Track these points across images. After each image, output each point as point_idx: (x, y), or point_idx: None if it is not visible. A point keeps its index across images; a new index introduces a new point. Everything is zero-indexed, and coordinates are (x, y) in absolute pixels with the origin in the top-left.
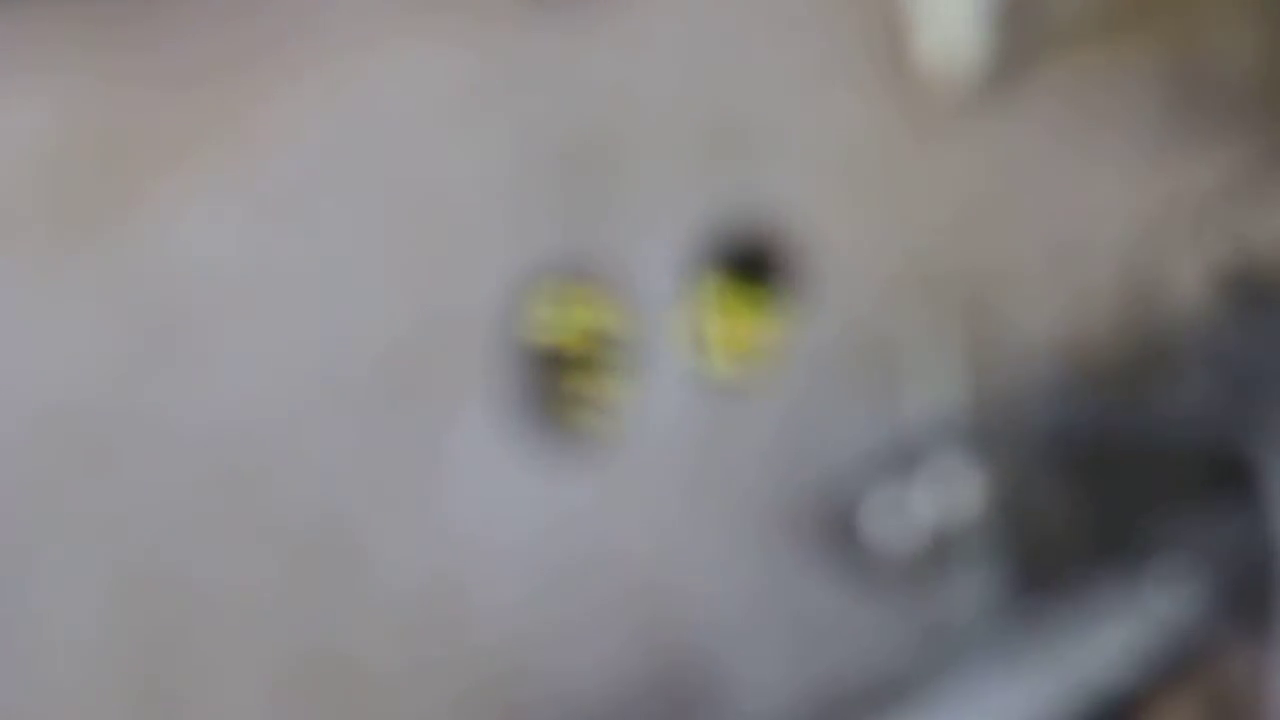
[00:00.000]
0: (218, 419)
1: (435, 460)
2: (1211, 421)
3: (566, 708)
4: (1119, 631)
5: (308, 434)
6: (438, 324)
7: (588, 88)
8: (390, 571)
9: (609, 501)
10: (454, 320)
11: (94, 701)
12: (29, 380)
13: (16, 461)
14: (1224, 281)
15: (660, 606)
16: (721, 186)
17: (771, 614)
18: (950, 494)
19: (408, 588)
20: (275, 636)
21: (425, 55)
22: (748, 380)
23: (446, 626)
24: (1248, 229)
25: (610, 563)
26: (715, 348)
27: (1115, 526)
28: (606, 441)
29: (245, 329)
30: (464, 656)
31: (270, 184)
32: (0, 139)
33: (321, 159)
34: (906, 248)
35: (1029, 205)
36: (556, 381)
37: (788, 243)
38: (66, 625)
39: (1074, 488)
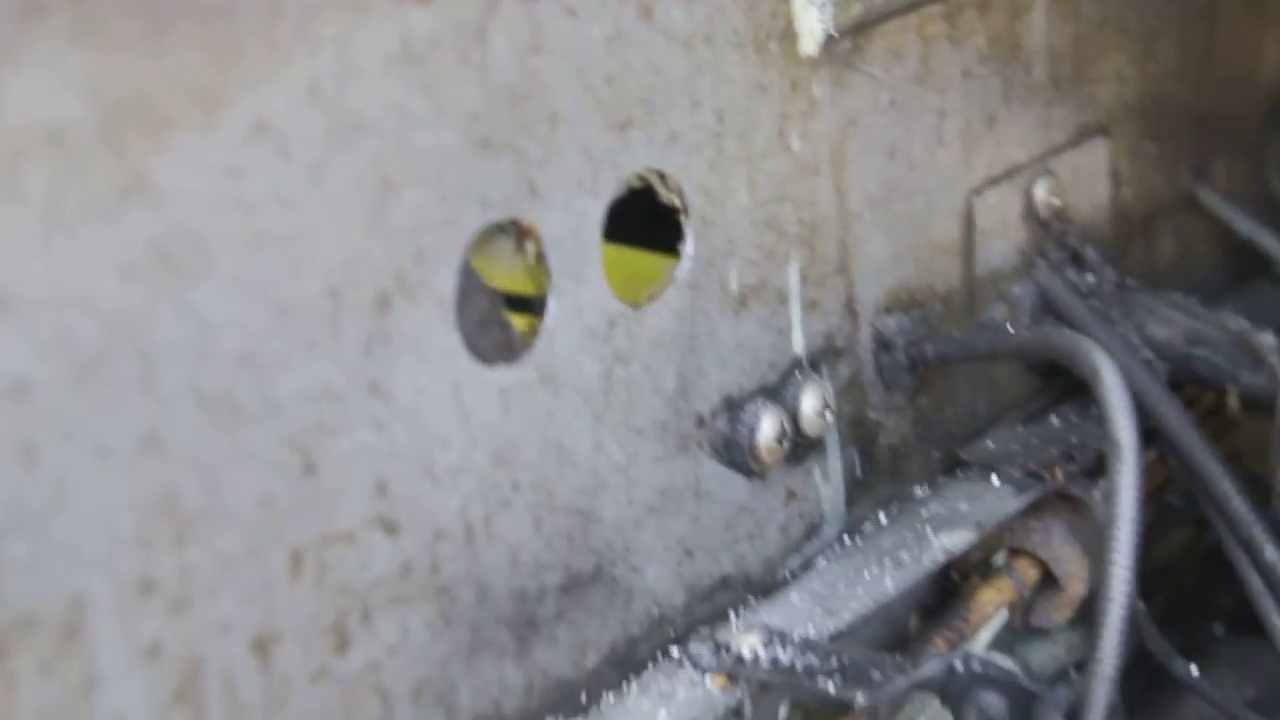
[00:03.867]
0: (211, 333)
1: (395, 356)
2: (1035, 338)
3: (487, 579)
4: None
5: (285, 341)
6: (400, 248)
7: (515, 50)
8: (359, 454)
9: (531, 402)
10: (414, 245)
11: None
12: (65, 299)
13: (50, 363)
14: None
15: (570, 490)
16: (624, 141)
17: (665, 500)
18: (810, 402)
19: (372, 467)
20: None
21: (380, 25)
22: (644, 306)
23: (406, 500)
24: (1061, 183)
25: (531, 449)
26: (618, 279)
27: (948, 429)
28: (533, 354)
29: (238, 253)
30: (415, 530)
31: (255, 134)
32: (34, 104)
33: (296, 112)
34: (772, 192)
35: (873, 157)
36: (494, 302)
37: (675, 187)
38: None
39: (913, 396)
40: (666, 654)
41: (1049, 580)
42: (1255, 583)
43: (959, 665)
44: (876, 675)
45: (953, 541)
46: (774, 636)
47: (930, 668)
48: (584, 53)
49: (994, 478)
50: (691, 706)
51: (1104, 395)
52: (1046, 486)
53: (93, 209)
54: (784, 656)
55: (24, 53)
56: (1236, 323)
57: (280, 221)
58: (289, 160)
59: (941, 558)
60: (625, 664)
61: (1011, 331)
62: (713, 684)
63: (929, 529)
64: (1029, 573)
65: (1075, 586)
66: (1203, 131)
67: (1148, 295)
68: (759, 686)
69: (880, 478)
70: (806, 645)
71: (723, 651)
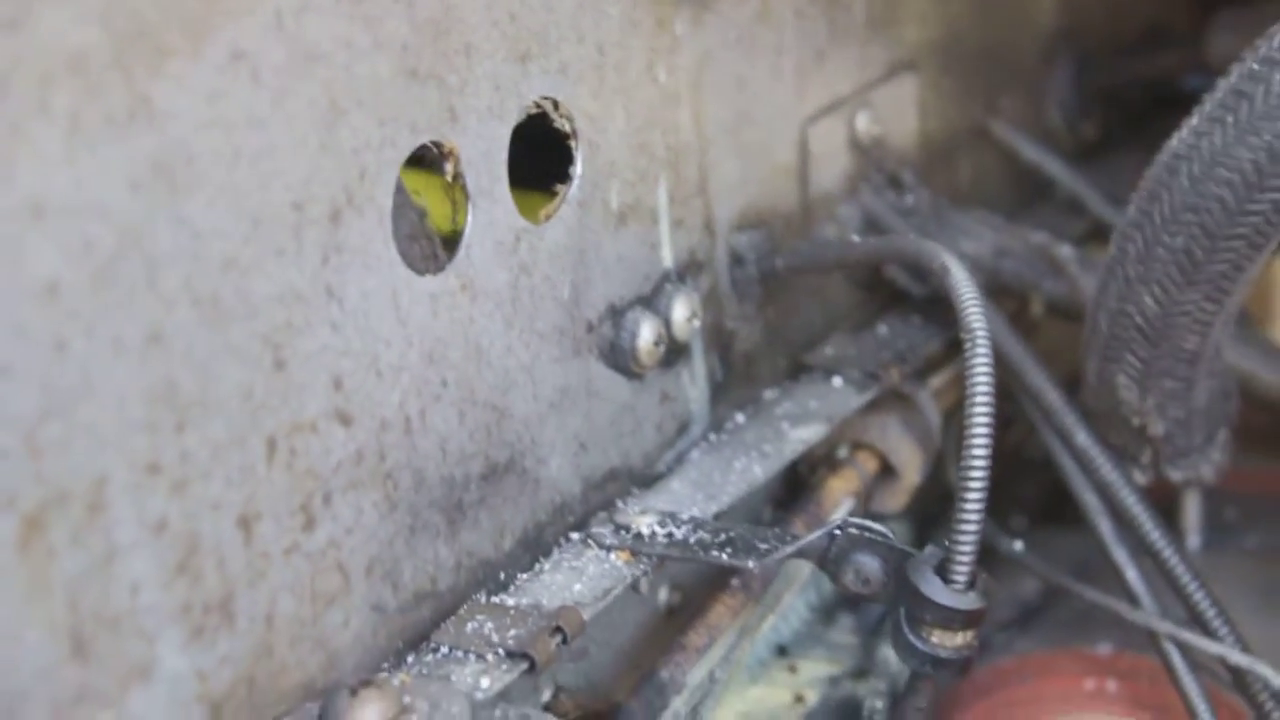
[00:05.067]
0: (201, 240)
1: (346, 264)
2: (883, 244)
3: (423, 466)
4: (806, 411)
5: (260, 248)
6: (348, 166)
7: None
8: (320, 352)
9: (455, 307)
10: (358, 164)
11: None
12: (85, 208)
13: (74, 266)
14: (864, 153)
15: (487, 388)
16: (524, 72)
17: (563, 398)
18: (680, 310)
19: (329, 364)
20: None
21: None
22: (543, 223)
23: (357, 394)
24: (878, 114)
25: (456, 350)
26: (520, 200)
27: (791, 337)
28: (454, 265)
29: (221, 168)
30: (365, 421)
31: (232, 61)
32: (61, 32)
33: (264, 42)
34: (643, 119)
35: (725, 89)
36: (421, 218)
37: (565, 114)
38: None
39: (762, 307)
40: (568, 538)
41: (887, 470)
42: (1068, 464)
43: (838, 531)
44: (763, 545)
45: (808, 434)
46: (666, 517)
47: (813, 535)
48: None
49: (836, 379)
50: (602, 579)
51: (954, 287)
52: (883, 385)
53: (107, 127)
54: (678, 533)
55: None
56: (1038, 236)
57: (253, 140)
58: (259, 85)
59: (800, 448)
60: (535, 546)
61: (858, 241)
62: (618, 559)
63: (785, 424)
64: (870, 463)
65: (910, 475)
66: (992, 68)
67: (959, 213)
68: (658, 560)
69: (737, 381)
70: (696, 523)
71: (623, 531)
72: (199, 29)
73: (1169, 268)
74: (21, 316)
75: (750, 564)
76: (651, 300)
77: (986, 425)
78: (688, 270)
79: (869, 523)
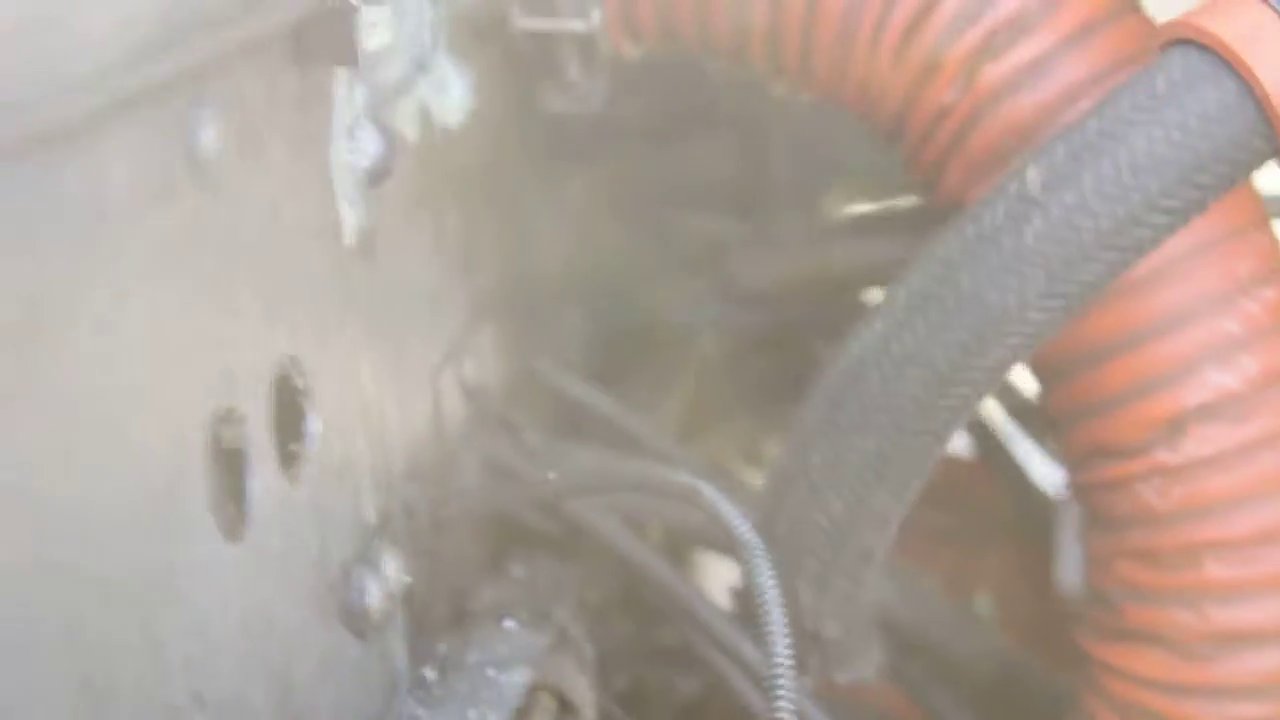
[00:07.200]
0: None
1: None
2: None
3: None
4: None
5: (126, 523)
6: (169, 443)
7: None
8: (175, 630)
9: (255, 575)
10: (177, 435)
11: None
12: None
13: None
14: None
15: (278, 658)
16: (272, 334)
17: (322, 664)
18: (389, 566)
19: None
20: None
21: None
22: (293, 483)
23: (201, 673)
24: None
25: (257, 619)
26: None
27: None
28: (248, 532)
29: (95, 446)
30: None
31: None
32: None
33: (119, 319)
34: (342, 376)
35: (386, 341)
36: (223, 483)
37: (300, 371)
38: None
39: (431, 557)
40: None
41: (565, 708)
42: (738, 679)
43: None
44: None
45: (519, 677)
46: None
47: None
48: (247, 252)
49: (507, 622)
50: None
51: (714, 507)
52: (553, 623)
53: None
54: None
55: None
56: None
57: (110, 412)
58: (115, 352)
59: (520, 690)
60: None
61: (553, 478)
62: None
63: (490, 671)
64: (550, 703)
65: (588, 709)
66: (537, 314)
67: (570, 445)
68: None
69: (417, 634)
70: None
71: None
72: (71, 299)
73: (859, 470)
74: None
75: None
76: (367, 559)
77: (784, 630)
78: (385, 524)
79: None
